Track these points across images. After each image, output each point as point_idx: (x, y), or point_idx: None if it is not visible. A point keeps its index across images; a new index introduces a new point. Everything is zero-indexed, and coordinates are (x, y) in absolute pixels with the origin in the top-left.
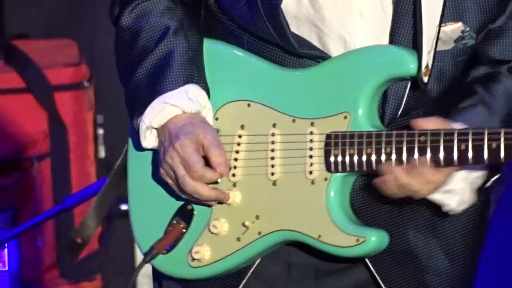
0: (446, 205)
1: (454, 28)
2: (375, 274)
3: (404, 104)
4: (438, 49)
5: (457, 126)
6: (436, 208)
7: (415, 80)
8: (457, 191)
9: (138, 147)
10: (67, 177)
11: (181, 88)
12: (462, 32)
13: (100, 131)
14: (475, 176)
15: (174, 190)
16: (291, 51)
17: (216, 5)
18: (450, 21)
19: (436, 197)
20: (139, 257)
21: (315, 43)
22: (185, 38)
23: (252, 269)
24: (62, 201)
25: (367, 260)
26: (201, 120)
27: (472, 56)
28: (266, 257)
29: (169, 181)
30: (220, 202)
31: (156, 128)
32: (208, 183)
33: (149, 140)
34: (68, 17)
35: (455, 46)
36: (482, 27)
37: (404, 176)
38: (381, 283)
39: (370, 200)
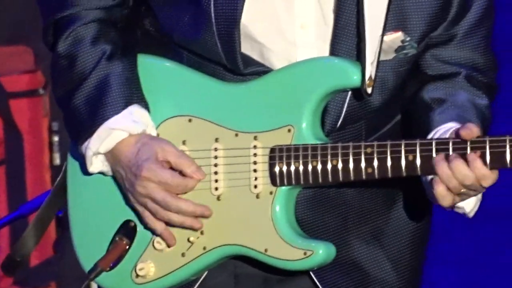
0: (464, 209)
1: (394, 38)
2: (318, 284)
3: (344, 115)
4: (381, 59)
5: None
6: (381, 217)
7: (356, 91)
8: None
9: (78, 165)
10: (23, 184)
11: (125, 111)
12: (403, 41)
13: (55, 138)
14: None
15: (154, 216)
16: (234, 71)
17: (153, 27)
18: (391, 30)
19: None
20: None
21: (257, 58)
22: (119, 60)
23: (200, 281)
24: (17, 208)
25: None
26: (150, 138)
27: (418, 68)
28: (214, 268)
29: (146, 212)
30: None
31: (103, 154)
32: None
33: (96, 165)
34: (24, 24)
35: (396, 56)
36: (423, 36)
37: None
38: None
39: (313, 211)
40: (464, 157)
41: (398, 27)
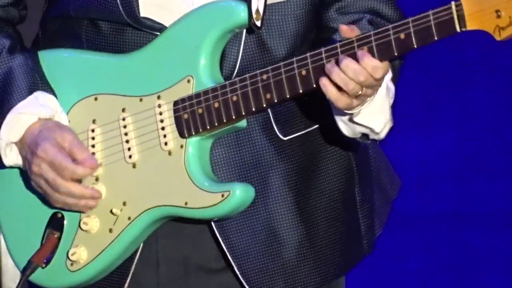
0: (373, 129)
1: None
2: (242, 280)
3: (241, 59)
4: (274, 0)
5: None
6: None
7: (250, 31)
8: (380, 108)
9: None
10: None
11: (31, 96)
12: None
13: None
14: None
15: (49, 199)
16: (131, 24)
17: (50, 6)
18: None
19: (363, 120)
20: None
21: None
22: (20, 51)
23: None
24: None
25: (233, 265)
26: (55, 123)
27: (323, 25)
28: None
29: (42, 191)
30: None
31: (15, 143)
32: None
33: (10, 157)
34: None
35: None
36: None
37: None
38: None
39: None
40: (354, 56)
41: None
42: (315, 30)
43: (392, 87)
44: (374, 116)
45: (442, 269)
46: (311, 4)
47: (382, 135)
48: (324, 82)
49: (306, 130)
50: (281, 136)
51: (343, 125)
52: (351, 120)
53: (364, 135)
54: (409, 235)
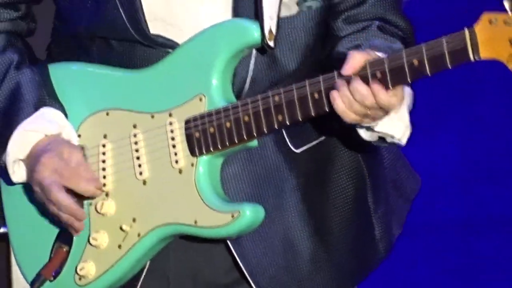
0: (393, 135)
1: None
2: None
3: (251, 75)
4: (284, 14)
5: (381, 54)
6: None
7: (262, 51)
8: (398, 115)
9: (9, 180)
10: None
11: (37, 113)
12: None
13: None
14: (408, 93)
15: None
16: (141, 42)
17: (60, 23)
18: None
19: (383, 129)
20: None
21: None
22: (28, 67)
23: None
24: None
25: (248, 277)
26: (65, 140)
27: (330, 33)
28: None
29: (39, 200)
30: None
31: (23, 160)
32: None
33: (18, 174)
34: None
35: (301, 10)
36: None
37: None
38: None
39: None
40: (366, 80)
41: None
42: (324, 40)
43: (409, 89)
44: (393, 124)
45: (449, 275)
46: (321, 16)
47: (404, 141)
48: (334, 95)
49: (316, 141)
50: (293, 149)
51: (362, 131)
52: (369, 129)
53: (381, 138)
54: (416, 241)
